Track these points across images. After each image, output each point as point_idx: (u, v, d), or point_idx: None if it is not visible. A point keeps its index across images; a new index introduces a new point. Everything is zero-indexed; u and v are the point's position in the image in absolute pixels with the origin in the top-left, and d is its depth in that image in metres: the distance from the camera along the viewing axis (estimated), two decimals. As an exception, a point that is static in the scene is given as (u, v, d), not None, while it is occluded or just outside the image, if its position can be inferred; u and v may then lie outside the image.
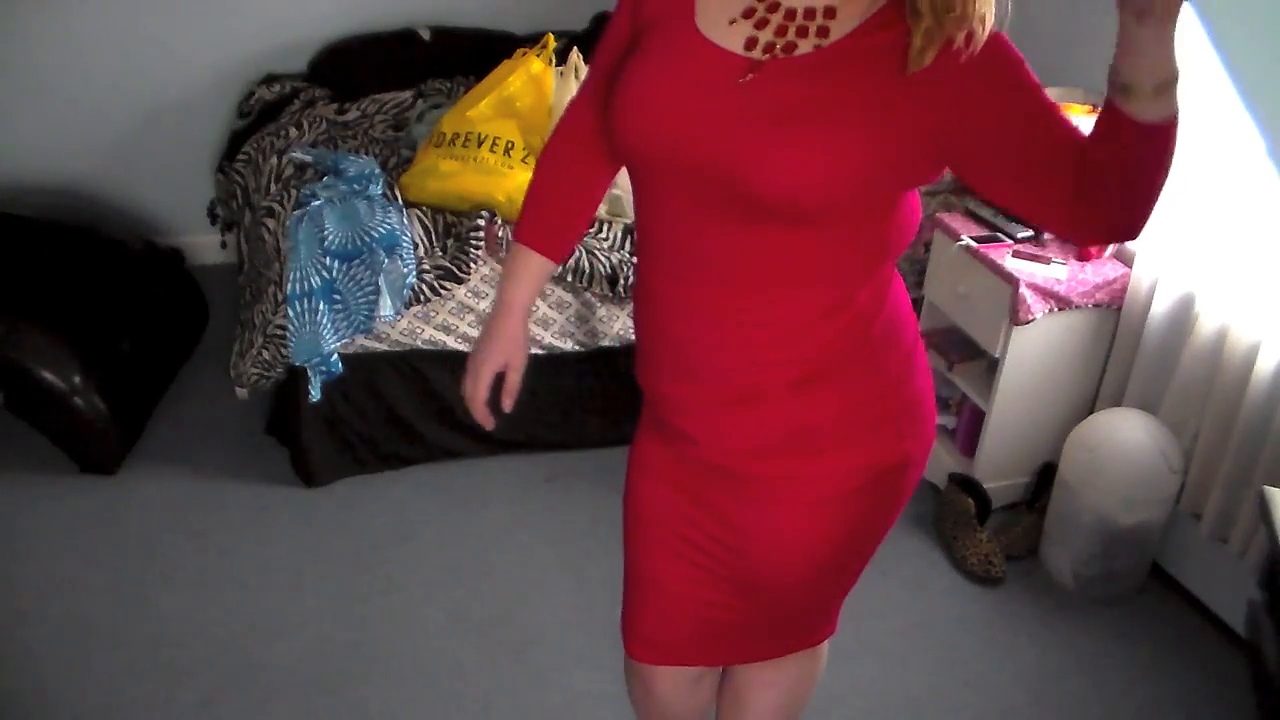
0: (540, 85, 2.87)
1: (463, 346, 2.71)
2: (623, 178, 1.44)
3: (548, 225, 1.47)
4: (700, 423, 1.36)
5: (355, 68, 3.48)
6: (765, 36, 1.17)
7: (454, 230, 2.73)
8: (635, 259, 1.39)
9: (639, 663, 1.59)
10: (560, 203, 1.47)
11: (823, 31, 1.15)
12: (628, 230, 2.84)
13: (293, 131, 3.17)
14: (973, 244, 2.65)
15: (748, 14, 1.20)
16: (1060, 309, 2.55)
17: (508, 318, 1.48)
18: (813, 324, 1.27)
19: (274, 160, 3.01)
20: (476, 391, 1.47)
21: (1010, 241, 2.68)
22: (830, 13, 1.16)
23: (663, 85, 1.21)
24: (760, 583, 1.44)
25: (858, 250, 1.25)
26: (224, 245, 3.52)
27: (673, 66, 1.21)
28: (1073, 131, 1.13)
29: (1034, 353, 2.61)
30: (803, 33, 1.16)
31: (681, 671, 1.60)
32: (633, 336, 1.47)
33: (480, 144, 2.78)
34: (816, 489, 1.36)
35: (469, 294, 2.65)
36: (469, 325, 2.69)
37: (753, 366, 1.29)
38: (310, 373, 2.54)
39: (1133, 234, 1.15)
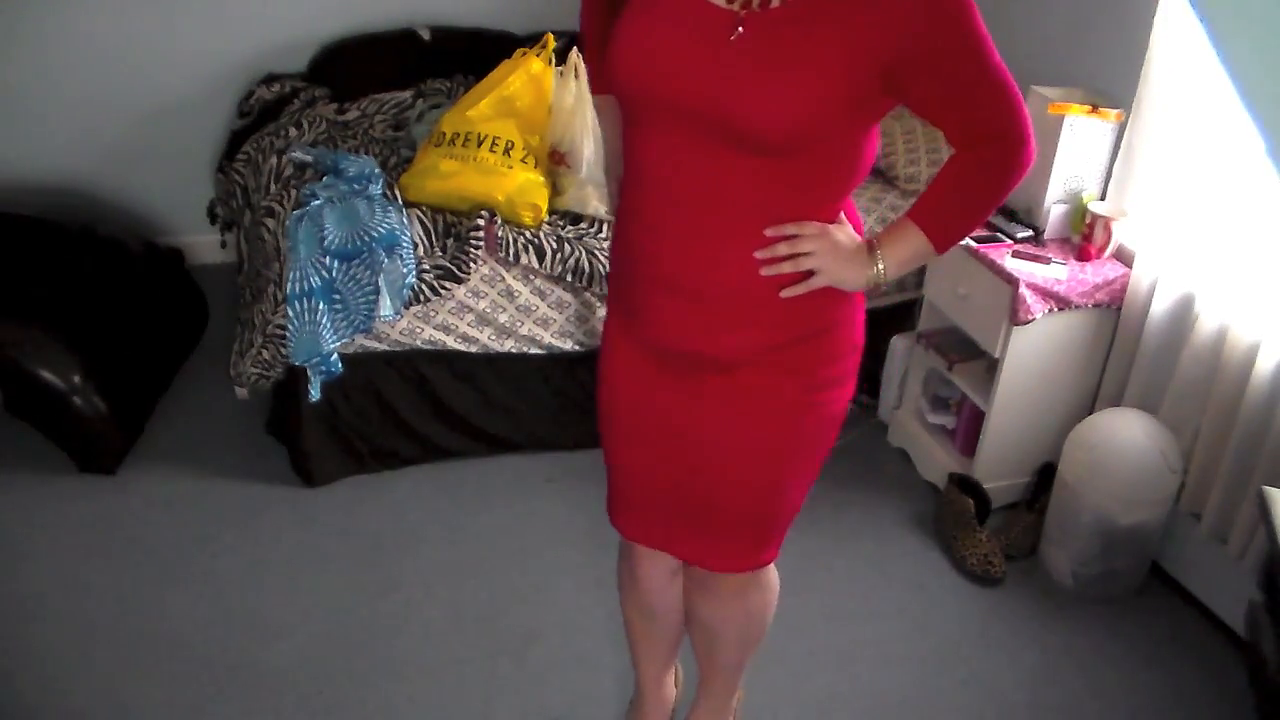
0: (540, 85, 2.87)
1: (462, 346, 2.71)
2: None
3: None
4: (670, 321, 1.51)
5: (355, 68, 3.48)
6: None
7: (454, 230, 2.73)
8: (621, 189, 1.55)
9: (624, 539, 1.81)
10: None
11: None
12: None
13: (293, 131, 3.17)
14: (973, 244, 2.65)
15: None
16: (1060, 309, 2.55)
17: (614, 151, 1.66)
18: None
19: (274, 160, 3.01)
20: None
21: (1010, 241, 2.68)
22: None
23: (660, 38, 1.38)
24: (702, 465, 1.61)
25: (825, 179, 1.44)
26: (224, 245, 3.52)
27: (667, 22, 1.38)
28: (973, 122, 1.40)
29: (1034, 353, 2.61)
30: None
31: (658, 559, 1.81)
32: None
33: (480, 144, 2.78)
34: (763, 398, 1.55)
35: (469, 294, 2.65)
36: (469, 325, 2.69)
37: (734, 285, 1.46)
38: (310, 372, 2.54)
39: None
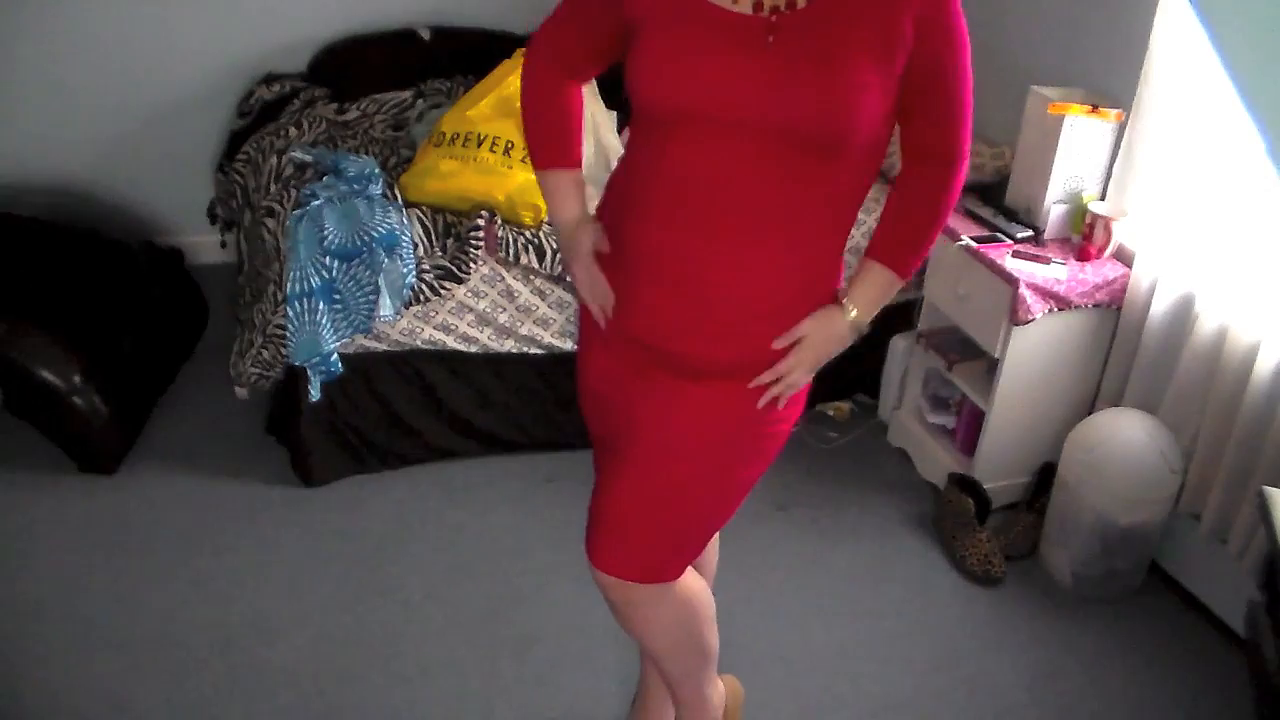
0: (540, 85, 2.87)
1: (462, 346, 2.71)
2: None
3: (556, 144, 1.66)
4: (660, 318, 1.51)
5: (355, 68, 3.48)
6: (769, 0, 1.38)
7: (454, 230, 2.73)
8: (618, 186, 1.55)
9: None
10: (559, 122, 1.65)
11: None
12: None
13: (293, 131, 3.17)
14: (972, 244, 2.65)
15: None
16: (1060, 309, 2.55)
17: (574, 234, 1.64)
18: (799, 265, 1.48)
19: (274, 160, 3.01)
20: (594, 291, 1.60)
21: (1010, 241, 2.68)
22: None
23: (696, 53, 1.38)
24: (638, 459, 1.58)
25: (860, 182, 1.47)
26: (224, 245, 3.52)
27: (696, 36, 1.39)
28: (935, 135, 1.48)
29: (1034, 353, 2.61)
30: None
31: None
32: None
33: (480, 144, 2.78)
34: (720, 409, 1.55)
35: (469, 294, 2.65)
36: (469, 325, 2.69)
37: (749, 291, 1.47)
38: (310, 372, 2.54)
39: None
